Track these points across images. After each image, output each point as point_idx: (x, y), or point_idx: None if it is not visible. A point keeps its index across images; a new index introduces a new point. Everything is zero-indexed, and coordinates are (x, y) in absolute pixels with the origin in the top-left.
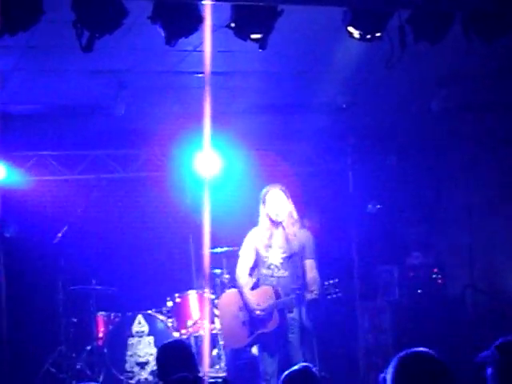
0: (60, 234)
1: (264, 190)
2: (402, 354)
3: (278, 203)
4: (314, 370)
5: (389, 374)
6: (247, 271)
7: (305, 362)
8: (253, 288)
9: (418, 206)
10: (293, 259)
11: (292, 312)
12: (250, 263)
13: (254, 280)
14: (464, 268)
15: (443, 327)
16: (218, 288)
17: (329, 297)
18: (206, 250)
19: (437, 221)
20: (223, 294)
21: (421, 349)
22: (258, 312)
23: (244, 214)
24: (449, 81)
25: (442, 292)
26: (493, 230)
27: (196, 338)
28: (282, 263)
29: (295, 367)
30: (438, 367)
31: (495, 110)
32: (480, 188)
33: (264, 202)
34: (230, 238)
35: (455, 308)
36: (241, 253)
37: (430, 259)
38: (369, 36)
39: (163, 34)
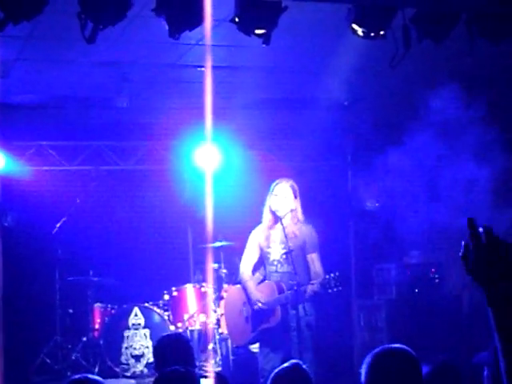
0: (58, 225)
1: (274, 182)
2: (376, 350)
3: (281, 197)
4: (304, 367)
5: (363, 370)
6: (250, 267)
7: (300, 359)
8: (259, 284)
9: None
10: (292, 255)
11: (296, 308)
12: (254, 259)
13: (261, 277)
14: (462, 268)
15: (439, 327)
16: (215, 282)
17: (329, 291)
18: (208, 244)
19: (435, 220)
20: (228, 291)
21: (395, 345)
22: (260, 305)
23: (242, 209)
24: (451, 79)
25: (439, 291)
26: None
27: (191, 331)
28: (283, 259)
29: (285, 364)
30: (410, 363)
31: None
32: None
33: (270, 194)
34: (228, 232)
35: (452, 308)
36: (245, 249)
37: (427, 258)
38: (372, 34)
39: (167, 27)
